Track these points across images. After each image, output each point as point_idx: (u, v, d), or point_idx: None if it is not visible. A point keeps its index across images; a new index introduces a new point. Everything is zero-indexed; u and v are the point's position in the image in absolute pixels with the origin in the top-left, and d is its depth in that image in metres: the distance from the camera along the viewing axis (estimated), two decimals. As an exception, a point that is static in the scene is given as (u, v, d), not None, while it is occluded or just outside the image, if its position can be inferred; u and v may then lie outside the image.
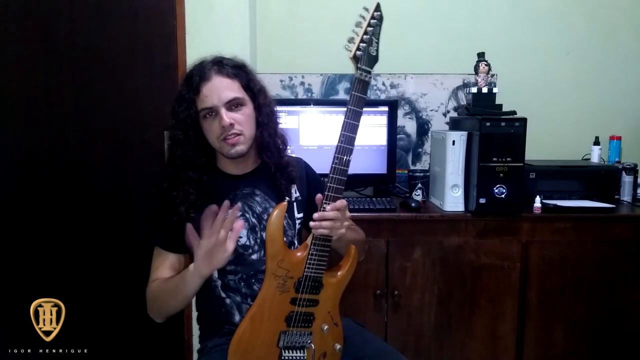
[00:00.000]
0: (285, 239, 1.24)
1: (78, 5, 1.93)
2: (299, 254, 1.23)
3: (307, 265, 1.21)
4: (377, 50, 1.19)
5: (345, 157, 1.19)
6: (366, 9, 1.18)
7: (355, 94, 1.18)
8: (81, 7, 1.93)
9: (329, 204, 1.18)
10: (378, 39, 1.19)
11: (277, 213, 1.21)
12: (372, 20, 1.17)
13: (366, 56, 1.18)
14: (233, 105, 1.25)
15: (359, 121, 1.19)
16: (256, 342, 1.21)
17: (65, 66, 1.95)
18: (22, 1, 1.92)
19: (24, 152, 1.98)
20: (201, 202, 1.26)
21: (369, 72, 1.19)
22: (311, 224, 1.19)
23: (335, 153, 1.19)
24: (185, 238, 1.19)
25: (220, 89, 1.24)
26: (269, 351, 1.22)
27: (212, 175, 1.32)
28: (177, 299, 1.23)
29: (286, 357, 1.22)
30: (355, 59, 1.18)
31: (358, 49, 1.17)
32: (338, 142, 1.19)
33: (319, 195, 1.20)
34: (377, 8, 1.18)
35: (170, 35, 1.94)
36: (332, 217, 1.18)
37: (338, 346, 1.26)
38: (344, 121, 1.19)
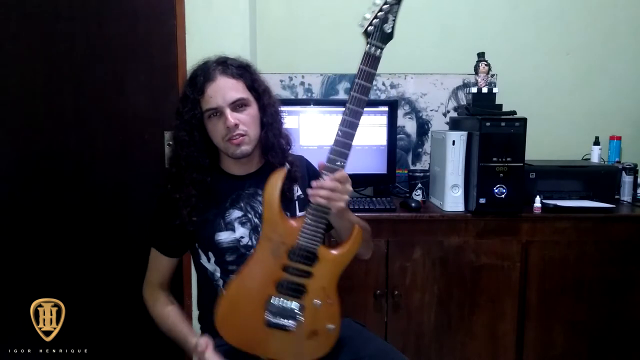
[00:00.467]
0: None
1: (78, 5, 1.93)
2: (295, 222, 1.21)
3: (301, 234, 1.18)
4: (392, 28, 1.16)
5: (349, 131, 1.15)
6: None
7: (364, 67, 1.15)
8: (81, 7, 1.93)
9: (332, 162, 1.15)
10: (395, 16, 1.16)
11: (275, 178, 1.21)
12: None
13: (379, 32, 1.14)
14: (238, 105, 1.25)
15: (367, 96, 1.16)
16: (245, 300, 1.21)
17: (65, 66, 1.95)
18: (22, 1, 1.92)
19: (23, 152, 1.98)
20: (203, 204, 1.27)
21: (381, 48, 1.16)
22: (308, 190, 1.16)
23: (340, 125, 1.16)
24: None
25: (225, 90, 1.24)
26: (256, 312, 1.21)
27: (215, 175, 1.32)
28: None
29: (272, 322, 1.21)
30: (367, 33, 1.15)
31: (370, 24, 1.14)
32: (343, 115, 1.16)
33: (321, 162, 1.17)
34: None
35: (170, 35, 1.94)
36: (331, 186, 1.14)
37: (331, 326, 1.23)
38: (351, 95, 1.16)
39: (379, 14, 1.14)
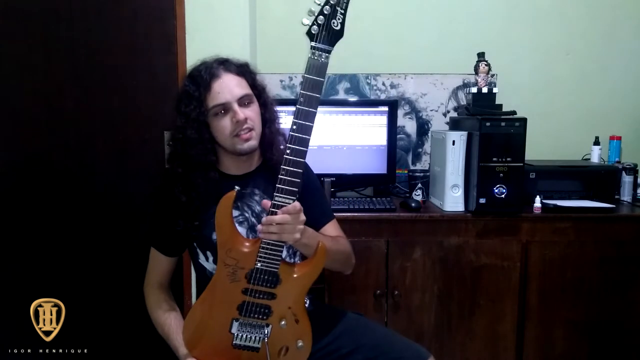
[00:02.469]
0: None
1: (78, 6, 1.93)
2: (251, 244, 1.18)
3: (258, 259, 1.16)
4: (342, 24, 1.03)
5: (299, 148, 1.10)
6: None
7: (308, 76, 1.07)
8: (81, 7, 1.93)
9: (281, 201, 1.10)
10: (345, 9, 1.03)
11: (225, 200, 1.17)
12: None
13: (325, 31, 1.03)
14: (244, 101, 1.26)
15: (315, 108, 1.08)
16: (207, 324, 1.21)
17: (65, 66, 1.95)
18: (23, 2, 1.92)
19: (24, 152, 1.98)
20: (202, 204, 1.27)
21: (328, 52, 1.05)
22: (257, 227, 1.13)
23: (288, 143, 1.10)
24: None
25: (231, 86, 1.25)
26: (221, 336, 1.21)
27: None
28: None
29: (238, 344, 1.20)
30: (310, 35, 1.04)
31: (315, 22, 1.03)
32: (290, 131, 1.09)
33: (265, 201, 1.14)
34: None
35: (170, 35, 1.94)
36: (280, 221, 1.10)
37: (300, 343, 1.22)
38: (297, 108, 1.09)
39: (324, 8, 1.02)
